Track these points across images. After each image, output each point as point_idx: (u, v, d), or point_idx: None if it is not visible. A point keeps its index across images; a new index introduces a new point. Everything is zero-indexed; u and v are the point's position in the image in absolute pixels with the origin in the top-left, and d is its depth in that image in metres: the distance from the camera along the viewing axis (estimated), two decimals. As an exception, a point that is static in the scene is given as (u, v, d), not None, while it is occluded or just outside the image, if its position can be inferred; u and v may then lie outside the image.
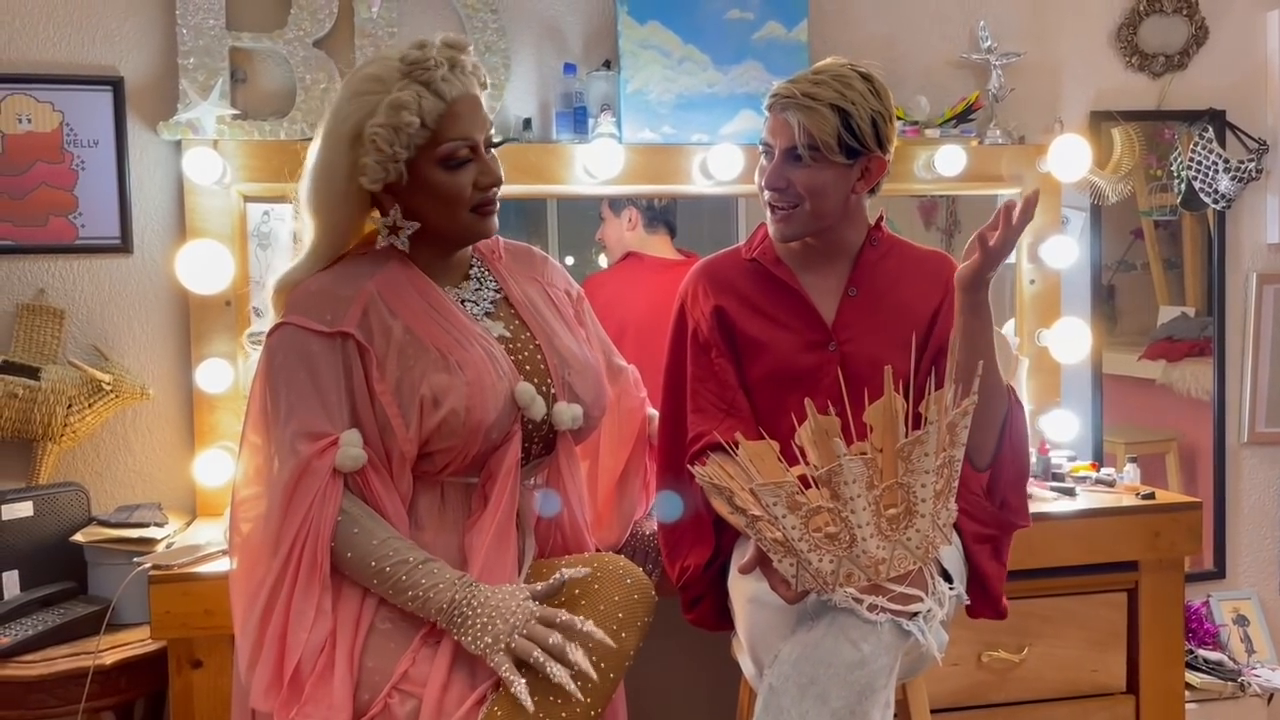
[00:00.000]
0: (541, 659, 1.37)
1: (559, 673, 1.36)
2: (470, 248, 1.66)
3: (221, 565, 1.87)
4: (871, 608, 1.43)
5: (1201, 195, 2.74)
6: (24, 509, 2.07)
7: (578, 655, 1.38)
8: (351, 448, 1.46)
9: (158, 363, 2.32)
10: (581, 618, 1.42)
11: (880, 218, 1.84)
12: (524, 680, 1.36)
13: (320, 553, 1.43)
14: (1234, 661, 2.61)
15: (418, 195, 1.53)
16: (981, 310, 1.63)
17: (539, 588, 1.46)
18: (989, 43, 2.61)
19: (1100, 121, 2.74)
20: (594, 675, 1.39)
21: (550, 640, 1.38)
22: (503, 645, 1.38)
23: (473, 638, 1.39)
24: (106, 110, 2.27)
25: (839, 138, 1.65)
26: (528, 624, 1.39)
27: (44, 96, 2.25)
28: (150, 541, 2.04)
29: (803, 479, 1.43)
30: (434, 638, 1.44)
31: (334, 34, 2.33)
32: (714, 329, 1.79)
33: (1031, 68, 2.69)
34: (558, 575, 1.47)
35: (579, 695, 1.37)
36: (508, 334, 1.61)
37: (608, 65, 2.45)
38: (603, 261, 2.63)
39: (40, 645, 1.93)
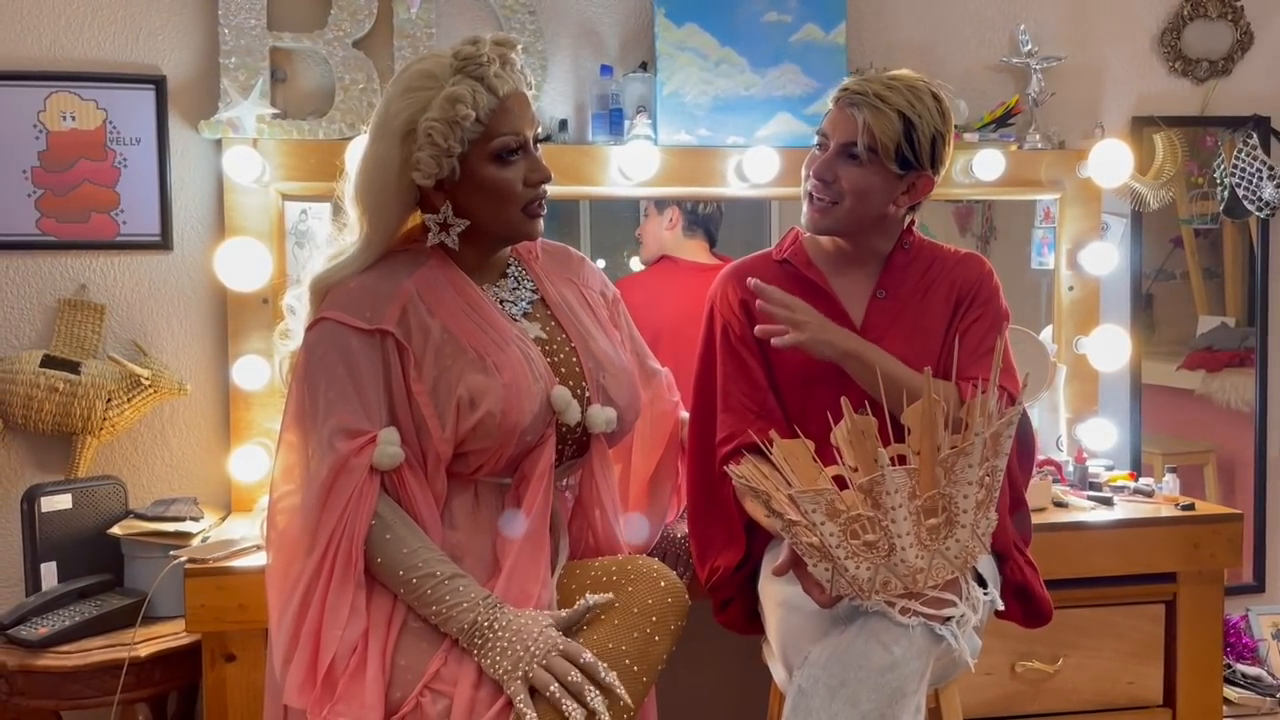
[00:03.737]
0: (559, 694, 1.35)
1: (574, 713, 1.34)
2: (509, 247, 1.66)
3: (256, 560, 1.89)
4: (904, 611, 1.41)
5: (1245, 203, 2.70)
6: (63, 502, 2.10)
7: (596, 703, 1.35)
8: (389, 445, 1.46)
9: (195, 359, 2.35)
10: (605, 665, 1.39)
11: (912, 221, 1.82)
12: (534, 714, 1.34)
13: (355, 551, 1.43)
14: (1273, 677, 2.56)
15: (469, 192, 1.54)
16: (847, 358, 1.66)
17: (563, 615, 1.44)
18: (1029, 46, 2.59)
19: (1142, 127, 2.71)
20: None
21: (570, 677, 1.36)
22: (520, 673, 1.36)
23: (491, 661, 1.38)
24: (149, 109, 2.29)
25: (898, 145, 1.65)
26: (548, 655, 1.38)
27: (88, 95, 2.28)
28: (186, 535, 2.06)
29: (838, 479, 1.42)
30: (466, 636, 1.44)
31: (373, 34, 2.35)
32: (745, 329, 1.78)
33: (1072, 72, 2.66)
34: (582, 602, 1.46)
35: None
36: (544, 336, 1.61)
37: (644, 67, 2.45)
38: (634, 263, 2.63)
39: (77, 636, 1.95)
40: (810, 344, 1.65)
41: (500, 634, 1.39)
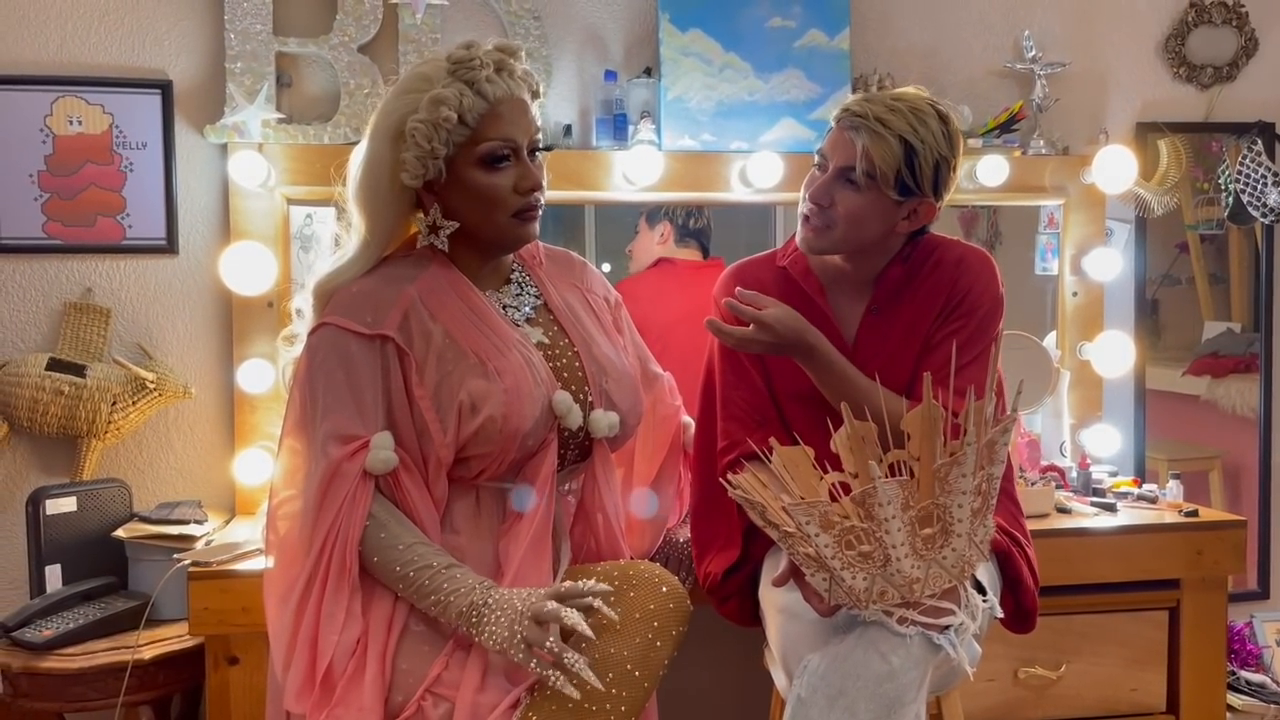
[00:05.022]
0: (556, 649, 1.35)
1: (576, 661, 1.34)
2: (510, 252, 1.67)
3: (260, 563, 1.89)
4: (902, 620, 1.41)
5: (1249, 209, 2.69)
6: (68, 504, 2.11)
7: (575, 618, 1.36)
8: (382, 450, 1.46)
9: (200, 362, 2.35)
10: (586, 583, 1.40)
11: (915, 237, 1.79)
12: (562, 674, 1.35)
13: (349, 555, 1.43)
14: (1277, 684, 2.56)
15: (457, 194, 1.54)
16: (815, 367, 1.65)
17: (562, 587, 1.44)
18: (1033, 52, 2.59)
19: (1146, 133, 2.71)
20: (594, 680, 1.36)
21: (561, 614, 1.35)
22: (518, 638, 1.36)
23: (490, 634, 1.38)
24: (155, 113, 2.31)
25: (898, 172, 1.59)
26: (533, 605, 1.37)
27: (95, 99, 2.29)
28: (190, 538, 2.07)
29: (839, 485, 1.42)
30: (468, 641, 1.44)
31: (378, 39, 2.36)
32: None
33: (1077, 78, 2.66)
34: (583, 581, 1.46)
35: (598, 684, 1.35)
36: (546, 341, 1.62)
37: (648, 72, 2.45)
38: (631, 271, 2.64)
39: (81, 639, 1.96)
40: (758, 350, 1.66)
41: (494, 609, 1.39)
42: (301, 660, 1.40)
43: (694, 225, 2.54)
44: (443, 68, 1.50)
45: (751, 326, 1.63)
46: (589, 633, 1.36)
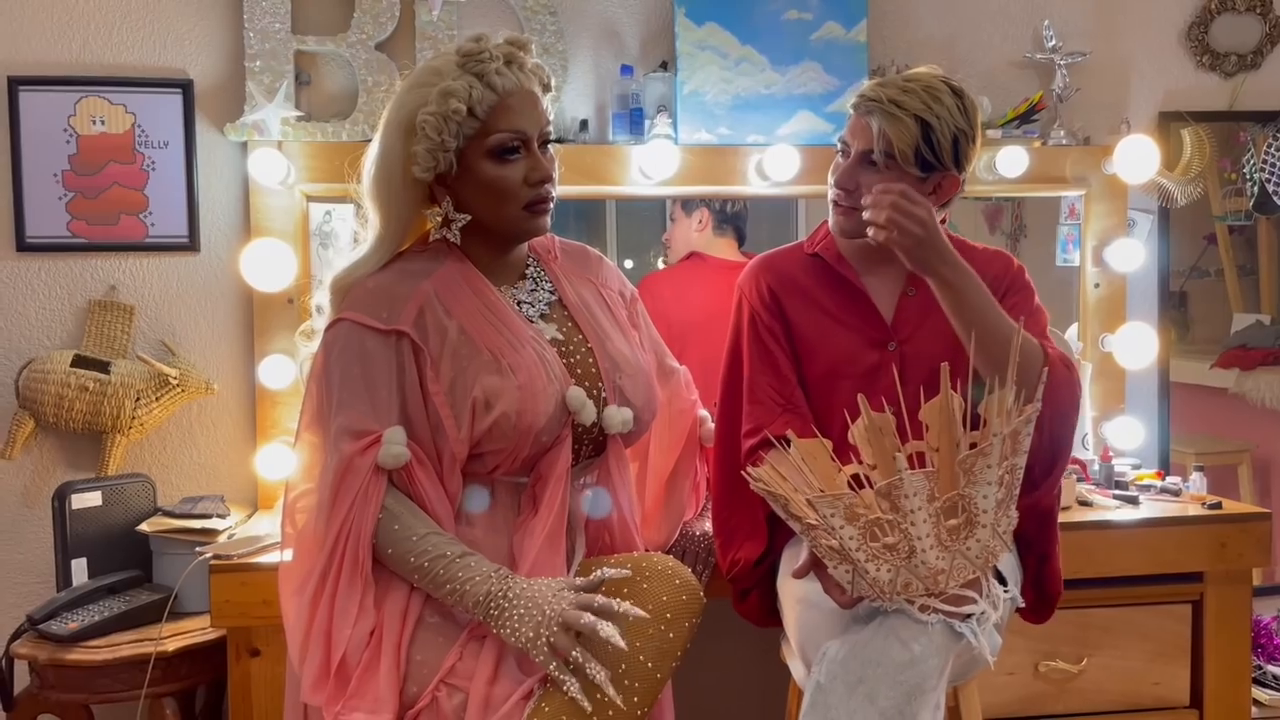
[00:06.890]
0: (581, 659, 1.36)
1: (598, 673, 1.36)
2: (526, 246, 1.67)
3: (279, 556, 1.90)
4: (923, 608, 1.41)
5: (1275, 198, 2.66)
6: (93, 499, 2.13)
7: (609, 630, 1.37)
8: (394, 445, 1.47)
9: (222, 358, 2.38)
10: (618, 601, 1.41)
11: (944, 219, 1.81)
12: (576, 681, 1.36)
13: (362, 550, 1.44)
14: (1305, 679, 2.53)
15: (468, 187, 1.55)
16: (945, 286, 1.60)
17: (577, 582, 1.45)
18: (1053, 42, 2.56)
19: (1169, 122, 2.68)
20: (614, 695, 1.38)
21: (597, 627, 1.37)
22: (544, 641, 1.37)
23: (511, 630, 1.39)
24: (176, 112, 2.33)
25: (917, 150, 1.63)
26: (564, 613, 1.38)
27: (117, 99, 2.32)
28: (212, 532, 2.09)
29: (855, 477, 1.41)
30: (482, 632, 1.45)
31: (395, 37, 2.37)
32: (773, 320, 1.78)
33: (1098, 67, 2.63)
34: (598, 573, 1.47)
35: (617, 701, 1.37)
36: (560, 337, 1.62)
37: (664, 66, 2.45)
38: (660, 264, 2.63)
39: (106, 631, 1.98)
40: (905, 251, 1.59)
41: (515, 601, 1.40)
42: (316, 653, 1.41)
43: (731, 210, 2.54)
44: (453, 61, 1.50)
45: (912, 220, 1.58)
46: (622, 644, 1.37)
